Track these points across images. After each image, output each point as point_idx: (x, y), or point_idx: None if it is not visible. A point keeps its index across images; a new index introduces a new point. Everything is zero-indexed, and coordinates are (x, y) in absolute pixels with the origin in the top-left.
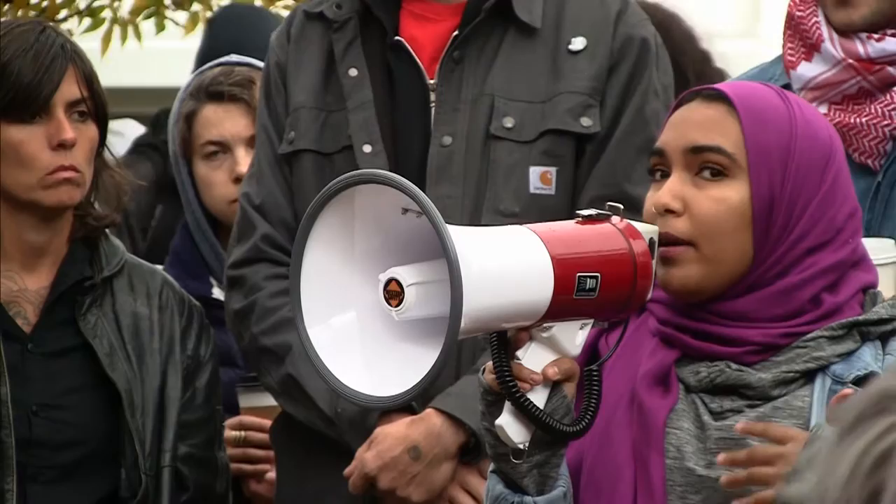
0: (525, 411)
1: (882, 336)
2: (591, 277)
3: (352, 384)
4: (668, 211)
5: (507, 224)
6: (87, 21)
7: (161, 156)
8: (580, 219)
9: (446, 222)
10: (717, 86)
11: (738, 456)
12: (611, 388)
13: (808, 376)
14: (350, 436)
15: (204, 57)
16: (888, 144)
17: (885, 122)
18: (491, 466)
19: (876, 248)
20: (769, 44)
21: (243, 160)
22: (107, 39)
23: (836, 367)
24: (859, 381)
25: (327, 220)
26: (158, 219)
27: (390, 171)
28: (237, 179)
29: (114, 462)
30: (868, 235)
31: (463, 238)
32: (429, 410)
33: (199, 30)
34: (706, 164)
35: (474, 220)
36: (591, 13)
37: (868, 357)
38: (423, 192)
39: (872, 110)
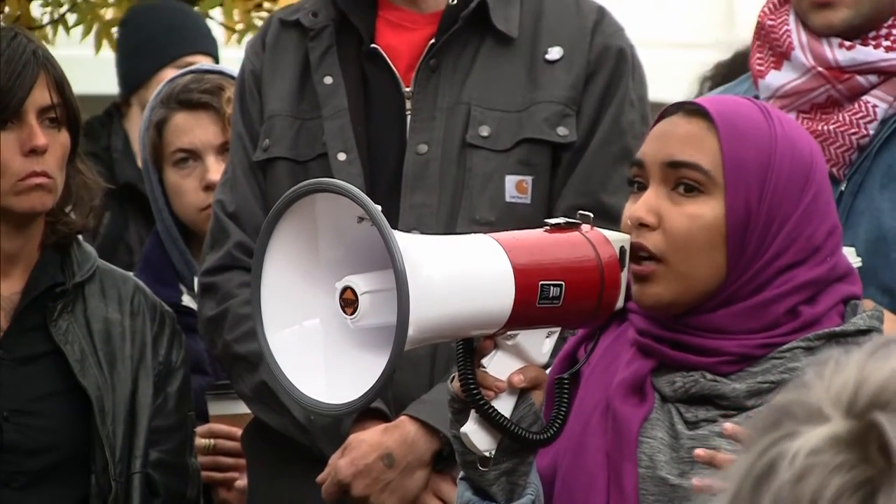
0: (489, 419)
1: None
2: (554, 285)
3: (308, 391)
4: (643, 225)
5: (483, 232)
6: (76, 25)
7: (103, 163)
8: (548, 227)
9: (422, 231)
10: (698, 100)
11: (717, 456)
12: (587, 397)
13: (782, 387)
14: (323, 443)
15: (135, 53)
16: (854, 154)
17: (853, 131)
18: (460, 474)
19: None
20: None
21: (214, 168)
22: (100, 37)
23: None
24: None
25: (286, 229)
26: (107, 225)
27: (365, 179)
28: (207, 187)
29: (84, 468)
30: None
31: (415, 246)
32: (403, 418)
33: None
34: (682, 179)
35: (450, 228)
36: (567, 23)
37: (806, 367)
38: (399, 200)
39: (841, 118)
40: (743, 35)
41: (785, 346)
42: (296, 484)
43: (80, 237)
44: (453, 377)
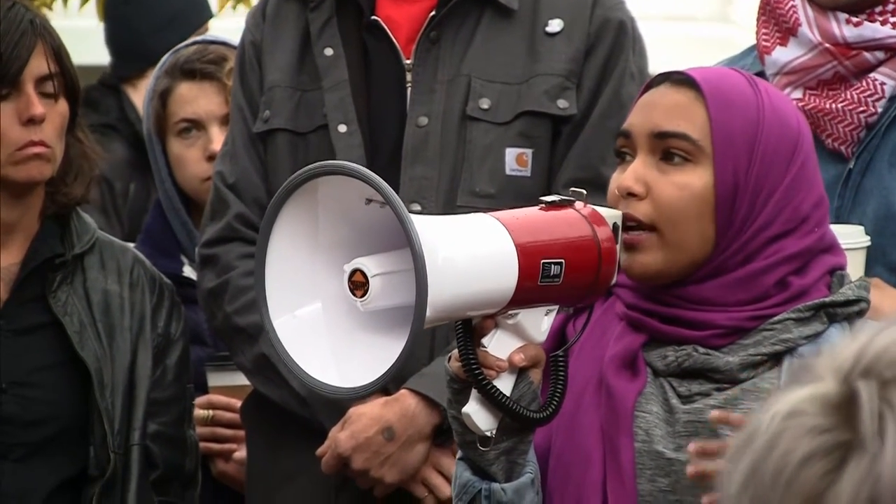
0: (491, 399)
1: (849, 317)
2: (555, 264)
3: (318, 375)
4: (631, 194)
5: (483, 205)
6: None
7: (119, 134)
8: (543, 205)
9: (421, 204)
10: (686, 70)
11: (709, 446)
12: (578, 373)
13: (775, 359)
14: (323, 416)
15: (168, 25)
16: (862, 132)
17: (861, 109)
18: (458, 454)
19: (845, 234)
20: (742, 27)
21: (217, 138)
22: (101, 6)
23: (804, 349)
24: None
25: (291, 211)
26: (132, 198)
27: (365, 150)
28: (210, 157)
29: (83, 440)
30: (838, 223)
31: (427, 227)
32: (403, 391)
33: None
34: (670, 149)
35: (450, 201)
36: None
37: (835, 338)
38: (399, 172)
39: (849, 96)
40: (738, 9)
41: (776, 318)
42: (295, 457)
43: (78, 208)
44: (450, 357)
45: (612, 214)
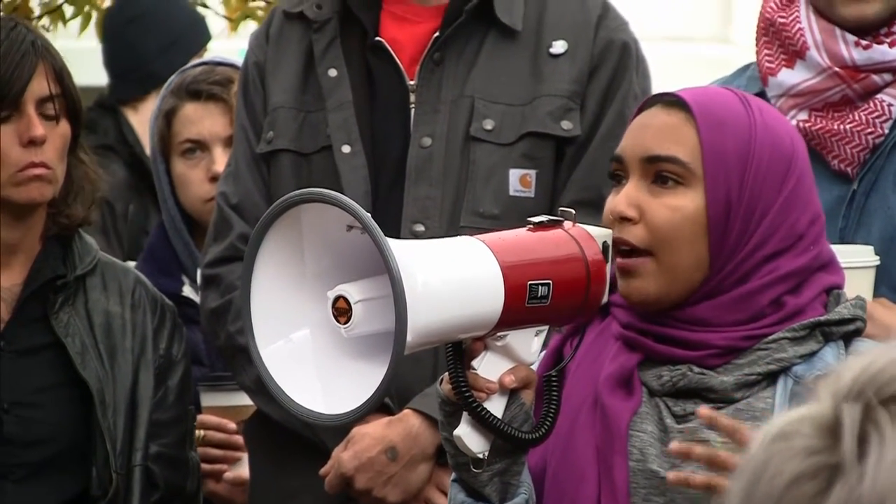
0: (482, 421)
1: (845, 336)
2: (542, 284)
3: (305, 402)
4: (624, 218)
5: (486, 225)
6: (73, 18)
7: (118, 156)
8: (531, 226)
9: (425, 224)
10: (677, 91)
11: (694, 449)
12: (574, 392)
13: (770, 378)
14: (326, 435)
15: (171, 46)
16: (867, 152)
17: (870, 131)
18: (452, 476)
19: (854, 253)
20: (742, 48)
21: (220, 159)
22: (100, 26)
23: (798, 368)
24: None
25: (275, 239)
26: (130, 219)
27: (369, 171)
28: (214, 178)
29: (85, 461)
30: (841, 243)
31: (407, 252)
32: (406, 411)
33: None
34: (662, 172)
35: (453, 221)
36: (571, 17)
37: (830, 357)
38: (402, 193)
39: (857, 118)
40: (738, 29)
41: (771, 337)
42: (298, 476)
43: (80, 229)
44: (441, 379)
45: (601, 233)
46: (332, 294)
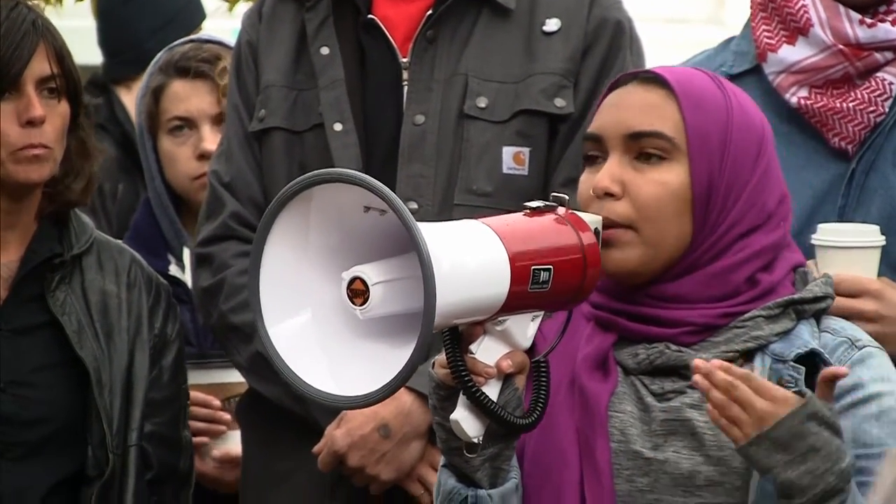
0: (481, 405)
1: (816, 314)
2: (544, 270)
3: (317, 384)
4: (608, 194)
5: (480, 203)
6: None
7: (110, 136)
8: (528, 210)
9: (418, 202)
10: (653, 69)
11: (718, 375)
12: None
13: (747, 356)
14: (319, 413)
15: (168, 24)
16: (868, 131)
17: (871, 109)
18: (442, 461)
19: (861, 232)
20: (734, 30)
21: (209, 137)
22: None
23: (776, 346)
24: (801, 360)
25: (287, 219)
26: (120, 198)
27: (361, 149)
28: (201, 156)
29: (81, 440)
30: (841, 221)
31: (431, 236)
32: (401, 389)
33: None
34: (645, 149)
35: (446, 199)
36: None
37: (806, 335)
38: (395, 171)
39: (858, 96)
40: (731, 12)
41: (746, 315)
42: (291, 454)
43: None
44: (434, 363)
45: (593, 219)
46: (347, 275)
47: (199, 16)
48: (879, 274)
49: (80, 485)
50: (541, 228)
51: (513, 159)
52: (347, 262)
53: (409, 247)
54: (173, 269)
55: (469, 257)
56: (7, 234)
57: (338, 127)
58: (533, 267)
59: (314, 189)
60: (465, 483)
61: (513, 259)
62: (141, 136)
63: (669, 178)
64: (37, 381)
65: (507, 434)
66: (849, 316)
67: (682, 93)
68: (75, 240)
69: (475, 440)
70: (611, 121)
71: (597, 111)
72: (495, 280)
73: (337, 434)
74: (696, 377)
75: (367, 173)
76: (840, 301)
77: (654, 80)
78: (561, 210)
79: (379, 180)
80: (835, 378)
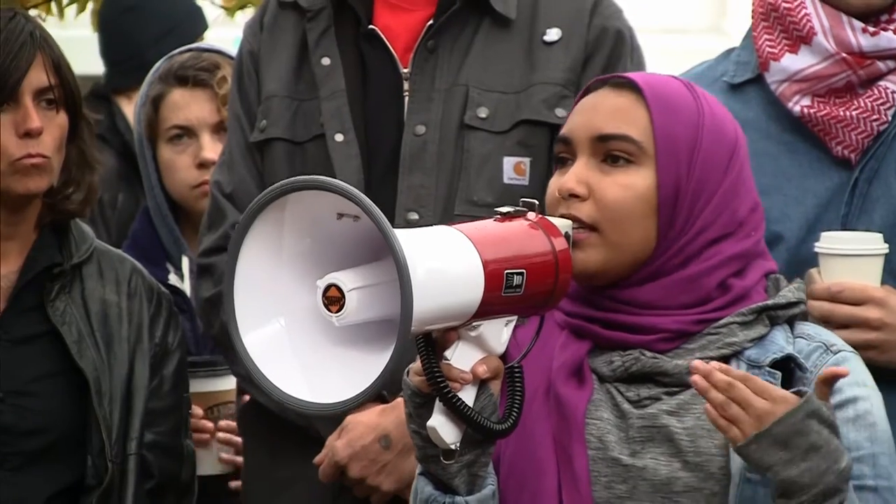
0: (458, 411)
1: (790, 320)
2: (517, 274)
3: (292, 391)
4: (574, 196)
5: (481, 214)
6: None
7: (110, 145)
8: (499, 216)
9: (419, 213)
10: (626, 74)
11: (717, 375)
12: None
13: (722, 362)
14: (320, 424)
15: (168, 33)
16: (870, 139)
17: (875, 117)
18: (418, 468)
19: (864, 240)
20: (735, 40)
21: (208, 146)
22: (96, 15)
23: (751, 352)
24: (776, 365)
25: (261, 227)
26: (120, 208)
27: (362, 159)
28: (201, 164)
29: (80, 449)
30: (844, 229)
31: (406, 241)
32: (400, 399)
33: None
34: (612, 151)
35: (447, 209)
36: (565, 4)
37: (781, 340)
38: (396, 181)
39: (861, 104)
40: (732, 21)
41: (720, 322)
42: (292, 465)
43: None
44: (408, 371)
45: (563, 224)
46: (322, 283)
47: (200, 25)
48: (882, 282)
49: (80, 494)
50: (513, 233)
51: (514, 170)
52: (322, 269)
53: (383, 253)
54: (172, 279)
55: (443, 262)
56: (6, 245)
57: (339, 137)
58: (506, 271)
59: (288, 196)
60: (442, 490)
61: (486, 264)
62: (140, 145)
63: (635, 181)
64: (36, 390)
65: (483, 440)
66: (853, 324)
67: (653, 97)
68: (75, 249)
69: (452, 447)
70: (580, 123)
71: (569, 115)
72: (469, 285)
73: (338, 444)
74: (695, 377)
75: (368, 183)
76: (844, 309)
77: (626, 84)
78: (531, 215)
79: (380, 191)
80: (835, 378)
